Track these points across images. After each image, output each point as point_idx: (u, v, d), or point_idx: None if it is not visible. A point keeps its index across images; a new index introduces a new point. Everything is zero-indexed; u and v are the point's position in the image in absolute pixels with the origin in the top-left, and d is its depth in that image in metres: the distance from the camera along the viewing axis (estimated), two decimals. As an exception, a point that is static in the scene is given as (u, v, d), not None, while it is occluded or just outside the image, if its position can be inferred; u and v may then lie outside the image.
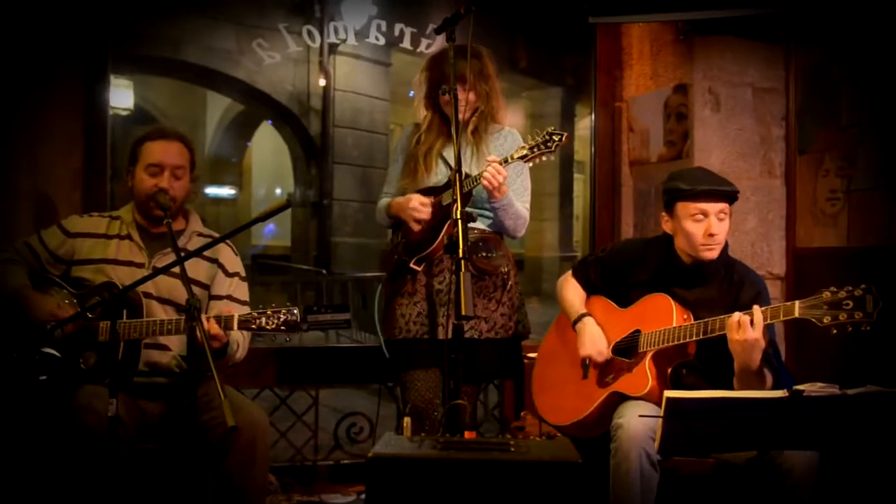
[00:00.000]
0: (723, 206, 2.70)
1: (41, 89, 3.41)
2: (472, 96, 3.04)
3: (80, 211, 3.49)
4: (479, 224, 3.05)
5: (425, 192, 3.07)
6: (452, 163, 3.03)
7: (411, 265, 3.03)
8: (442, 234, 2.98)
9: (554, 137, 2.79)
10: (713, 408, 2.08)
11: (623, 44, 4.32)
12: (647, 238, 3.03)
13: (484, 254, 3.02)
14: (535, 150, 2.81)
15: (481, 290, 3.01)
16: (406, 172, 3.16)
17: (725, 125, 3.88)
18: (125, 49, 4.22)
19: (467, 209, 2.73)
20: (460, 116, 3.02)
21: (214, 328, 2.59)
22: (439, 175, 3.09)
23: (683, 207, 2.71)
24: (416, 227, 3.03)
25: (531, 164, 2.88)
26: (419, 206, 3.02)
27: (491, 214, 3.06)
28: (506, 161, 2.86)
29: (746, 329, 2.46)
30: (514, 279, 3.14)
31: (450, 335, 2.63)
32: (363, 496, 3.58)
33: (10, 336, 2.73)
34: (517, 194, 3.08)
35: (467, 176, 2.94)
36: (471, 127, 3.10)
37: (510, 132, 3.17)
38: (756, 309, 2.47)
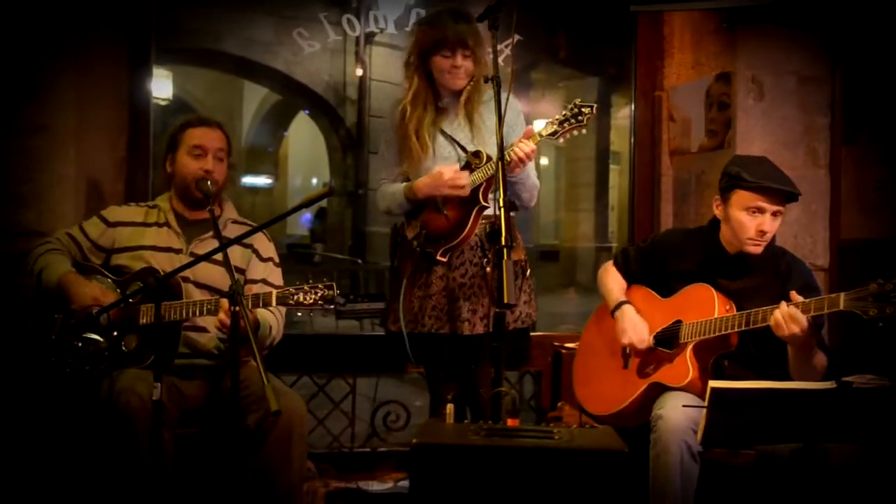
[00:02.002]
0: (780, 206, 2.65)
1: (88, 79, 3.46)
2: (470, 63, 2.88)
3: (123, 200, 3.55)
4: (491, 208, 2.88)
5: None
6: (455, 136, 2.93)
7: (438, 257, 2.90)
8: (470, 222, 2.86)
9: (584, 110, 2.68)
10: (759, 398, 2.05)
11: (664, 32, 4.27)
12: (690, 228, 3.00)
13: None
14: (565, 124, 2.71)
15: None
16: (404, 155, 2.98)
17: (769, 114, 3.81)
18: (166, 40, 4.26)
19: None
20: (460, 83, 2.91)
21: (221, 316, 2.60)
22: (440, 150, 2.94)
23: (741, 197, 2.66)
24: (465, 194, 2.83)
25: (561, 140, 2.76)
26: (456, 175, 2.82)
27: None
28: (532, 139, 2.75)
29: (789, 325, 2.42)
30: (528, 267, 3.05)
31: (491, 325, 2.60)
32: (400, 483, 3.62)
33: (54, 321, 2.78)
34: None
35: (489, 158, 2.83)
36: (464, 96, 2.93)
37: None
38: (795, 297, 2.44)
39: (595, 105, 2.69)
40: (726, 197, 2.71)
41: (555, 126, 2.73)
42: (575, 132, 2.73)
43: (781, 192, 2.64)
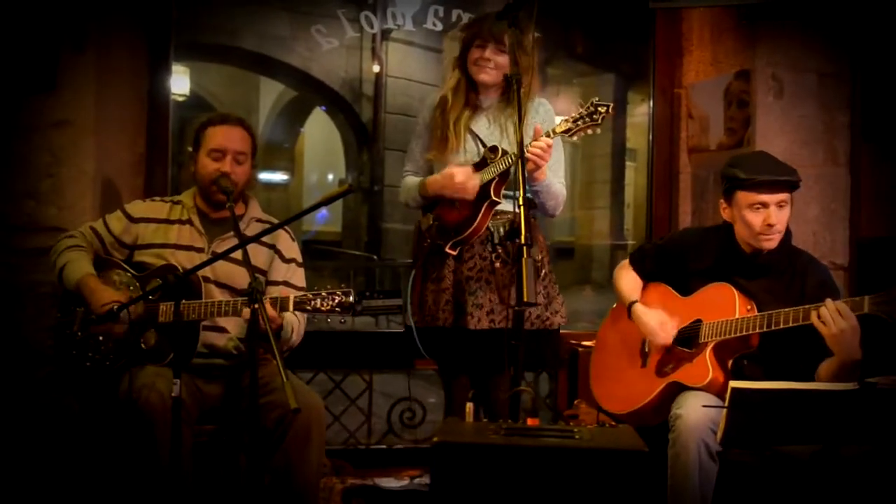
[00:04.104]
0: (783, 195, 2.63)
1: (108, 75, 3.47)
2: (503, 59, 2.86)
3: (141, 196, 3.56)
4: (510, 207, 2.85)
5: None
6: (483, 138, 2.95)
7: (447, 249, 2.92)
8: (479, 216, 2.87)
9: (599, 109, 2.66)
10: (779, 399, 2.04)
11: (683, 29, 4.24)
12: (707, 226, 2.98)
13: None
14: (580, 122, 2.68)
15: (513, 278, 2.73)
16: (434, 143, 3.01)
17: (788, 112, 3.79)
18: (183, 36, 4.28)
19: (527, 195, 2.63)
20: (485, 77, 2.93)
21: (270, 310, 2.60)
22: (468, 152, 2.96)
23: (742, 196, 2.65)
24: (470, 198, 2.86)
25: (575, 139, 2.75)
26: (466, 179, 2.85)
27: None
28: (547, 136, 2.73)
29: (837, 320, 2.38)
30: (548, 267, 3.02)
31: (509, 323, 2.59)
32: (416, 480, 3.63)
33: (75, 314, 2.80)
34: (553, 170, 2.95)
35: (504, 153, 2.83)
36: (508, 97, 2.92)
37: (541, 102, 3.02)
38: (829, 302, 2.41)
39: (611, 105, 2.67)
40: (729, 199, 2.70)
41: (569, 124, 2.72)
42: (589, 131, 2.71)
43: (779, 183, 2.61)
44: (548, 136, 2.74)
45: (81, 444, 2.97)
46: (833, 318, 2.38)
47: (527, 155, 2.70)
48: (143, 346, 2.75)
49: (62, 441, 3.16)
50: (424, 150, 3.09)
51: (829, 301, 2.41)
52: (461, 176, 2.87)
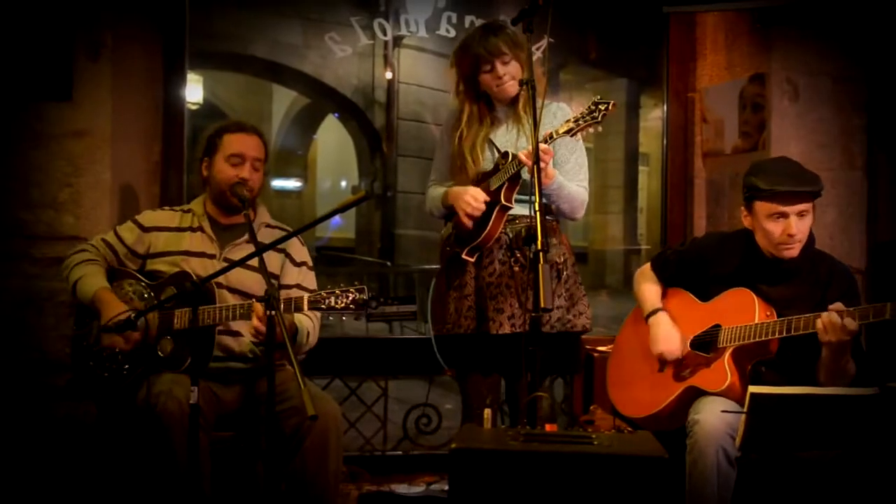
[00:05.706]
0: (804, 205, 2.59)
1: (124, 84, 3.49)
2: (514, 67, 2.89)
3: (158, 204, 3.58)
4: (527, 211, 2.87)
5: (475, 180, 2.95)
6: (500, 145, 2.94)
7: (463, 256, 2.93)
8: (491, 221, 2.87)
9: (600, 106, 2.63)
10: (799, 404, 2.03)
11: (697, 34, 4.24)
12: (728, 232, 2.96)
13: None
14: (581, 121, 2.66)
15: (531, 283, 2.69)
16: (454, 171, 3.04)
17: (804, 115, 3.78)
18: (196, 44, 4.31)
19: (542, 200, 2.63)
20: (511, 91, 2.92)
21: (255, 322, 2.61)
22: (486, 161, 2.97)
23: (761, 206, 2.62)
24: (466, 221, 2.89)
25: (579, 137, 2.75)
26: (472, 201, 2.87)
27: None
28: (550, 137, 2.72)
29: (839, 332, 2.37)
30: (571, 269, 3.01)
31: (525, 328, 2.58)
32: (432, 486, 3.63)
33: (91, 326, 2.82)
34: (571, 173, 2.96)
35: (514, 157, 2.82)
36: (521, 102, 2.94)
37: (559, 107, 3.02)
38: (839, 307, 2.40)
39: (612, 103, 2.64)
40: (750, 208, 2.68)
41: (570, 124, 2.70)
42: (591, 129, 2.68)
43: (800, 194, 2.59)
44: (550, 138, 2.72)
45: (100, 451, 2.98)
46: (835, 329, 2.37)
47: (524, 158, 2.70)
48: (159, 353, 2.76)
49: (80, 448, 3.18)
50: (447, 159, 3.09)
51: (820, 319, 2.40)
52: (469, 196, 2.87)
